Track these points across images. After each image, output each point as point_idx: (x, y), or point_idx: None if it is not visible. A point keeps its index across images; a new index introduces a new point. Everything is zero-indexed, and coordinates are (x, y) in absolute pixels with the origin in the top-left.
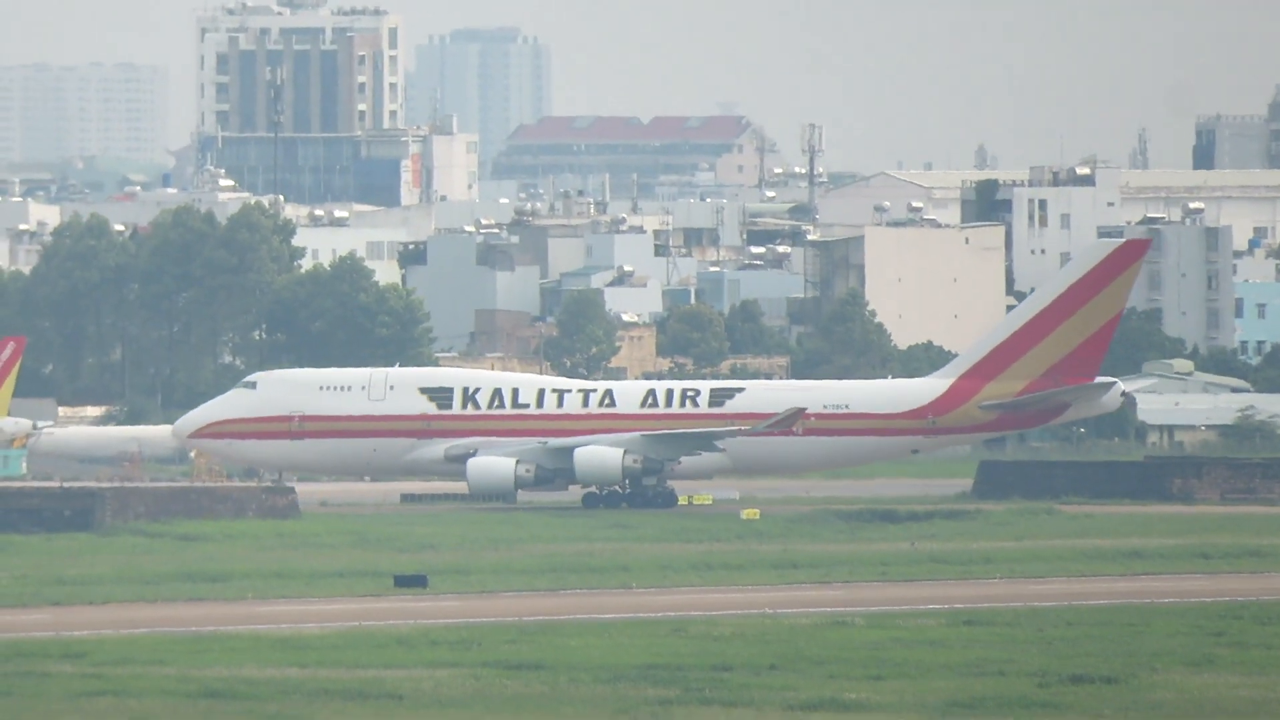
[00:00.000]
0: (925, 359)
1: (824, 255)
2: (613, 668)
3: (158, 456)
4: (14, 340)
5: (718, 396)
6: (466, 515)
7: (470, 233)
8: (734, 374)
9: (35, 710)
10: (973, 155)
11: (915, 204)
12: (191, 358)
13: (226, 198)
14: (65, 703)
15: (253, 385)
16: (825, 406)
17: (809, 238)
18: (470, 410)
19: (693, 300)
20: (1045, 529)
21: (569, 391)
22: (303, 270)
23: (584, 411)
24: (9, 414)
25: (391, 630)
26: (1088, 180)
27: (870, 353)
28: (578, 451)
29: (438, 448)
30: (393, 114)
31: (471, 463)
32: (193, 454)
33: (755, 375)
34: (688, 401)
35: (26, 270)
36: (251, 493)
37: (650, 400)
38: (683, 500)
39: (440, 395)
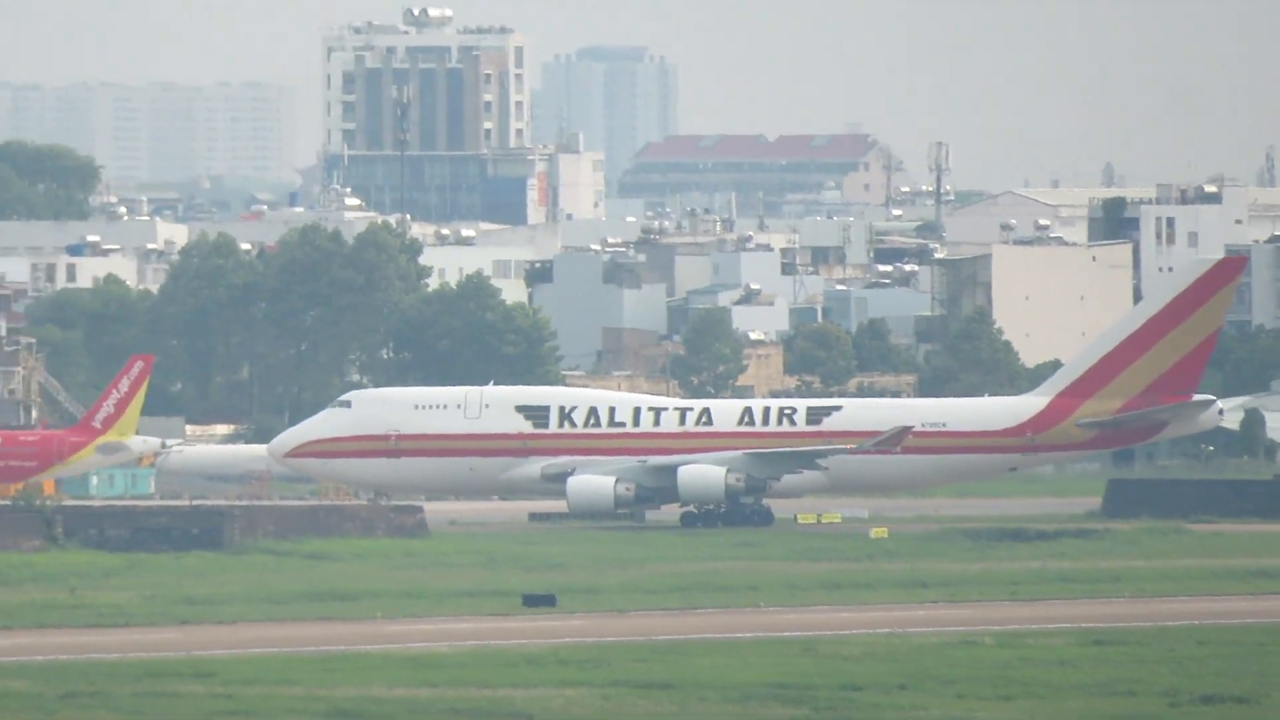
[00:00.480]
0: None
1: (951, 273)
2: (742, 687)
3: (285, 475)
4: (142, 359)
5: (814, 414)
6: (595, 534)
7: (597, 251)
8: (860, 392)
9: None
10: (1100, 173)
11: (1042, 222)
12: (319, 376)
13: (353, 216)
14: None
15: (347, 404)
16: (923, 424)
17: (936, 256)
18: (567, 429)
19: (819, 318)
20: (1174, 548)
21: (665, 410)
22: (429, 289)
23: (680, 430)
24: (138, 432)
25: (520, 649)
26: (1215, 198)
27: (997, 370)
28: (681, 470)
29: (534, 466)
30: (519, 132)
31: (571, 481)
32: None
33: (882, 393)
34: (785, 419)
35: (155, 289)
36: (380, 511)
37: (747, 418)
38: (810, 518)
39: (536, 414)
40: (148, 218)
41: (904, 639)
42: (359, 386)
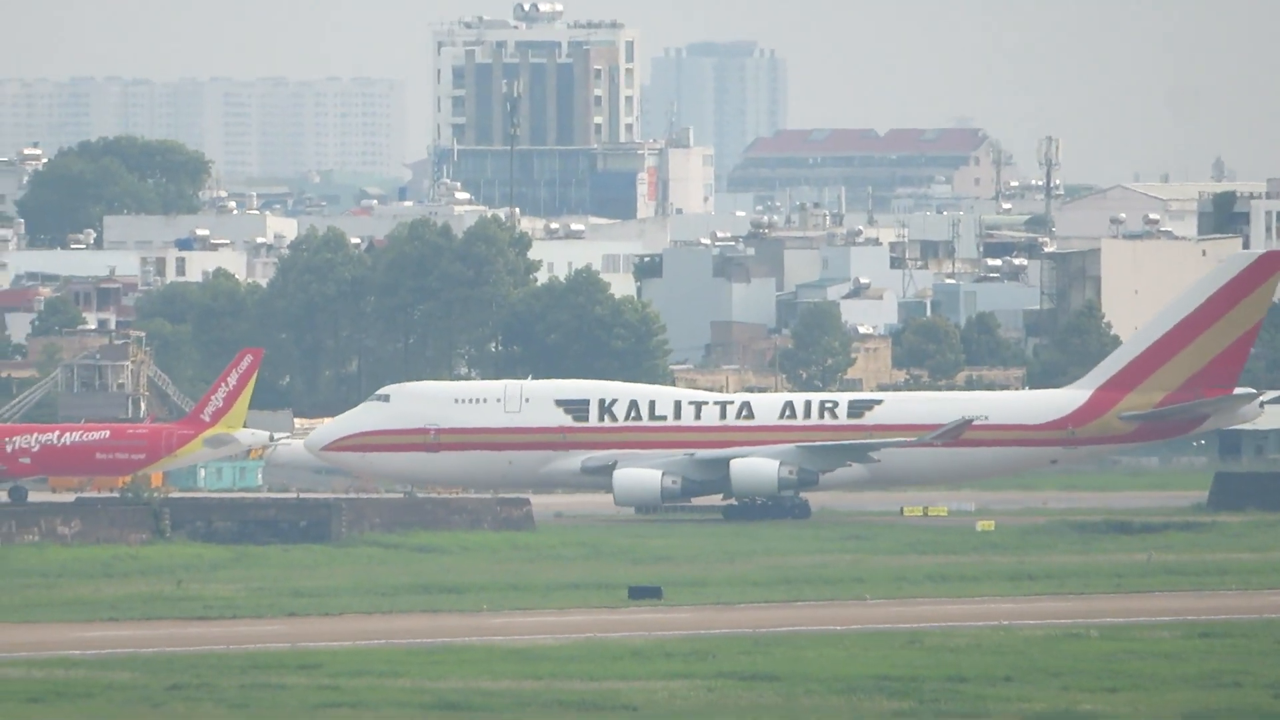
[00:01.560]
0: None
1: (1060, 267)
2: (847, 679)
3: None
4: (252, 352)
5: (856, 408)
6: (701, 528)
7: (706, 245)
8: (969, 385)
9: None
10: (1210, 167)
11: (1152, 216)
12: (428, 370)
13: (462, 210)
14: (301, 714)
15: (386, 398)
16: (965, 418)
17: (1045, 250)
18: (607, 422)
19: (928, 312)
20: None
21: (706, 403)
22: (539, 283)
23: (721, 423)
24: (246, 425)
25: (626, 642)
26: None
27: None
28: (734, 463)
29: (575, 460)
30: (629, 127)
31: (618, 474)
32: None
33: (991, 387)
34: (826, 413)
35: (264, 283)
36: (487, 504)
37: (789, 412)
38: (916, 511)
39: (576, 407)
40: (257, 212)
41: (1010, 631)
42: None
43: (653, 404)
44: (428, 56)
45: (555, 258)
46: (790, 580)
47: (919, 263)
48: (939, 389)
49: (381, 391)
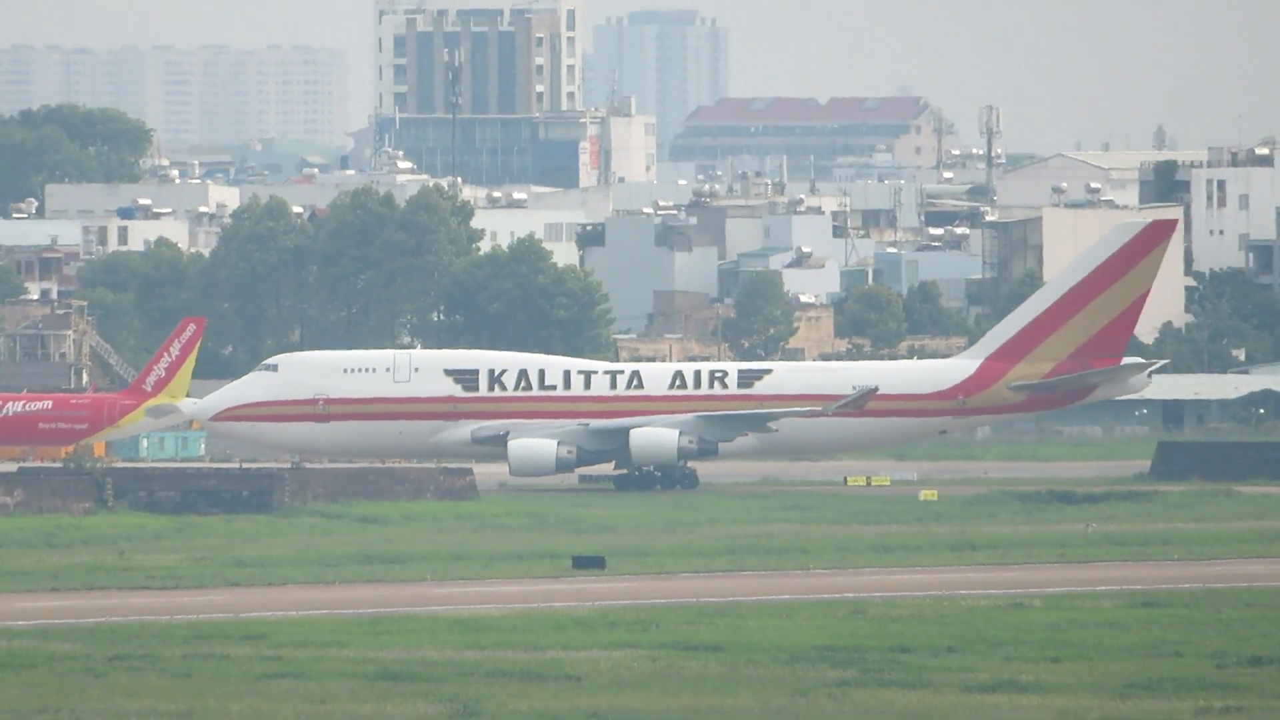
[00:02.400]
0: None
1: (1002, 236)
2: (791, 649)
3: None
4: (194, 322)
5: (746, 378)
6: (644, 497)
7: (648, 214)
8: (910, 354)
9: (215, 692)
10: (1151, 136)
11: (1093, 185)
12: (370, 340)
13: (405, 179)
14: (245, 684)
15: (274, 368)
16: (855, 388)
17: (987, 219)
18: (497, 392)
19: (870, 281)
20: (1224, 511)
21: (595, 373)
22: (481, 252)
23: (611, 393)
24: (189, 395)
25: (569, 612)
26: (1267, 161)
27: None
28: (633, 433)
29: (464, 430)
30: (570, 95)
31: (513, 444)
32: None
33: (934, 355)
34: (716, 383)
35: (206, 252)
36: (429, 474)
37: (679, 382)
38: (859, 480)
39: (466, 377)
40: (199, 181)
41: (953, 601)
42: (410, 349)
43: (542, 373)
44: (369, 25)
45: (498, 226)
46: (734, 550)
47: (861, 232)
48: (882, 358)
49: (269, 361)
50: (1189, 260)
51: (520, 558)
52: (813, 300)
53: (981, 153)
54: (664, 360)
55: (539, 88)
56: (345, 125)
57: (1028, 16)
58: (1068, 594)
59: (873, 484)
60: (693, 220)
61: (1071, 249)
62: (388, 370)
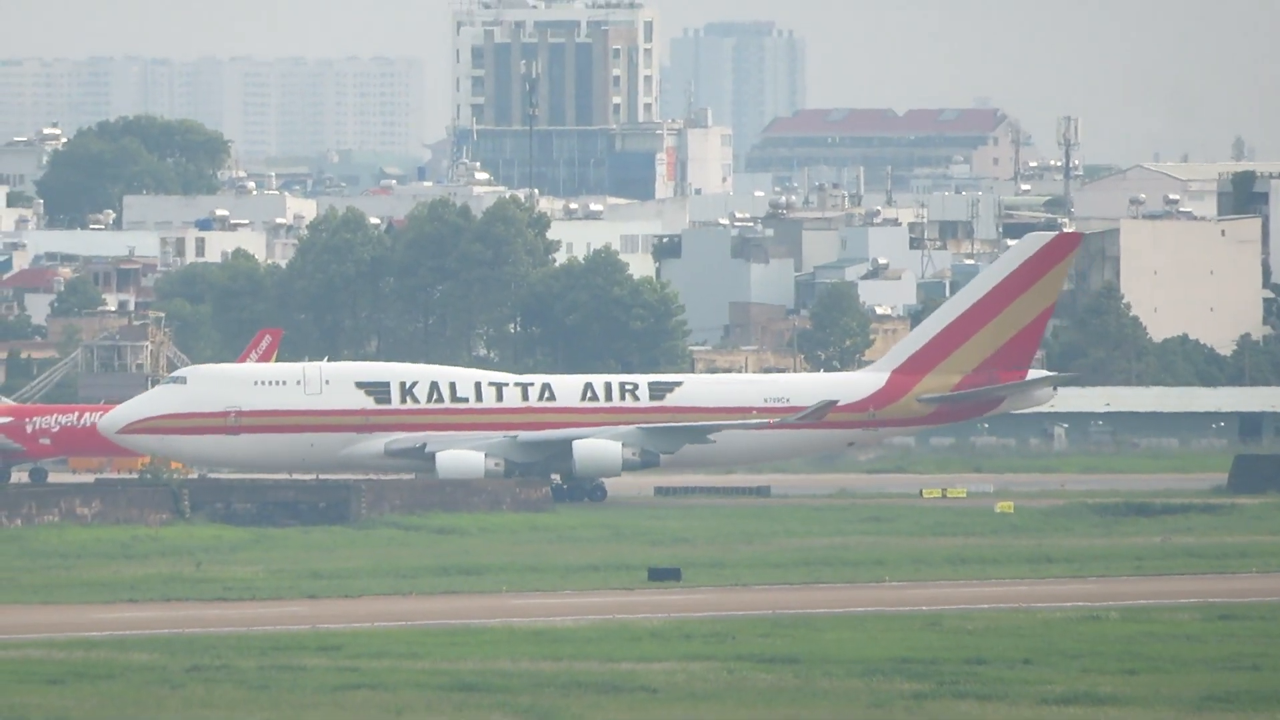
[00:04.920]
0: (1181, 352)
1: (1079, 248)
2: (866, 661)
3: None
4: (270, 333)
5: (657, 390)
6: (720, 509)
7: (725, 226)
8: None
9: (292, 703)
10: (1229, 147)
11: (1171, 196)
12: (446, 351)
13: (481, 191)
14: (321, 696)
15: (182, 380)
16: (766, 400)
17: (1064, 230)
18: (409, 405)
19: (947, 293)
20: None
21: (506, 385)
22: (557, 264)
23: (523, 405)
24: None
25: (645, 623)
26: None
27: (1125, 345)
28: (577, 444)
29: (377, 442)
30: (647, 107)
31: (442, 456)
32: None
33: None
34: (627, 395)
35: (283, 263)
36: (506, 486)
37: (590, 394)
38: (935, 493)
39: (377, 390)
40: (276, 192)
41: (1029, 614)
42: (486, 360)
43: (453, 385)
44: (447, 36)
45: (574, 238)
46: (809, 562)
47: (937, 243)
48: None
49: (178, 373)
50: (1267, 272)
51: (596, 569)
52: (889, 312)
53: (1059, 164)
54: (740, 371)
55: (616, 99)
56: (422, 137)
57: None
58: (1144, 606)
59: (948, 496)
60: (769, 232)
61: (1150, 261)
62: (298, 383)
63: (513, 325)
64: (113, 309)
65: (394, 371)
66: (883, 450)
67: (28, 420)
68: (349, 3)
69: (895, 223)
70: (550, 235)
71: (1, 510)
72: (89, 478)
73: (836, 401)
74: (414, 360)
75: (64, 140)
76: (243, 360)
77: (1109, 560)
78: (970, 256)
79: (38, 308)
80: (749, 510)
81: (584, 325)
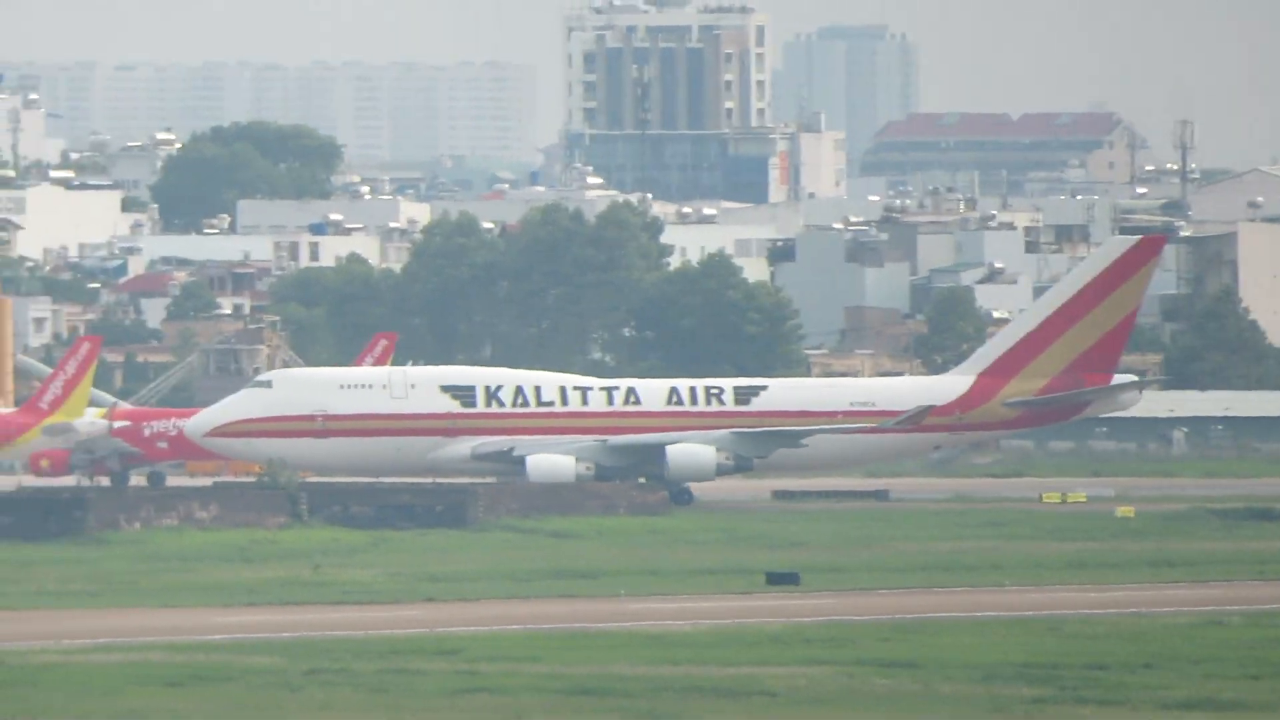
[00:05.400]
0: None
1: (1196, 252)
2: (986, 666)
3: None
4: (385, 337)
5: (742, 394)
6: (839, 513)
7: (839, 230)
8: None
9: (409, 707)
10: None
11: None
12: (560, 355)
13: (594, 195)
14: (439, 699)
15: (268, 384)
16: (852, 404)
17: (1181, 234)
18: (495, 408)
19: None
20: None
21: (591, 389)
22: (671, 268)
23: (608, 409)
24: None
25: (763, 628)
26: None
27: (1244, 350)
28: (671, 449)
29: (464, 446)
30: (760, 111)
31: (531, 461)
32: None
33: (1126, 372)
34: (712, 399)
35: (397, 268)
36: (623, 490)
37: (675, 398)
38: (1054, 497)
39: (463, 393)
40: (390, 197)
41: (1150, 619)
42: (601, 365)
43: (538, 389)
44: (559, 41)
45: (687, 242)
46: (928, 567)
47: (1053, 247)
48: None
49: (263, 377)
50: None
51: (714, 573)
52: (1005, 316)
53: (1175, 168)
54: (856, 376)
55: (728, 104)
56: (535, 141)
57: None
58: (1267, 611)
59: (1068, 500)
60: (883, 236)
61: (1268, 264)
62: (384, 386)
63: (627, 329)
64: (228, 313)
65: (479, 375)
66: (1000, 454)
67: (145, 424)
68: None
69: (1011, 226)
70: (663, 240)
71: (120, 514)
72: (207, 481)
73: (934, 406)
74: (528, 365)
75: (178, 145)
76: (359, 364)
77: (1230, 565)
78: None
79: (153, 312)
80: (867, 514)
81: (698, 329)
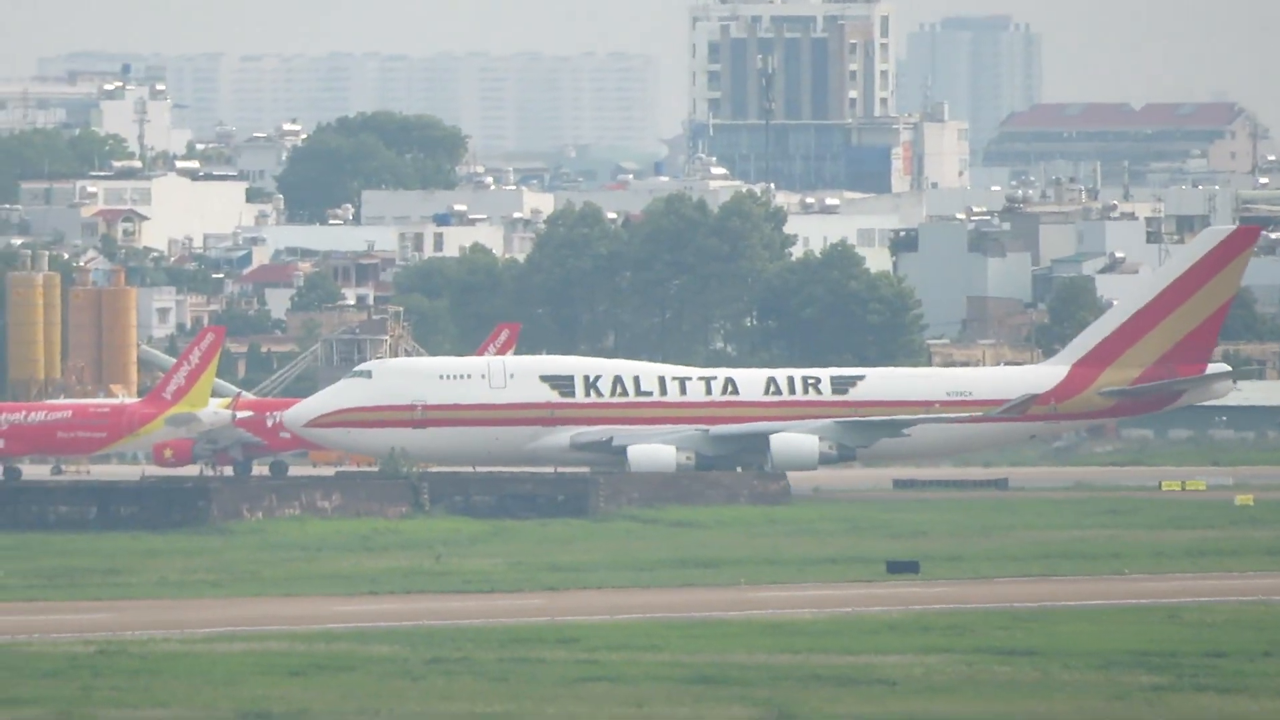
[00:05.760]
0: None
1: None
2: (1105, 654)
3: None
4: (509, 327)
5: (840, 384)
6: (959, 502)
7: (961, 220)
8: (1224, 359)
9: (531, 695)
10: None
11: None
12: (683, 345)
13: (718, 185)
14: (560, 688)
15: (368, 374)
16: (949, 394)
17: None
18: (593, 398)
19: None
20: None
21: (690, 379)
22: (794, 258)
23: (707, 399)
24: None
25: (883, 616)
26: None
27: None
28: (774, 438)
29: (562, 436)
30: (883, 101)
31: (633, 450)
32: None
33: (1246, 362)
34: (810, 389)
35: (521, 258)
36: (743, 479)
37: (773, 388)
38: (1174, 485)
39: (562, 383)
40: (514, 187)
41: (1269, 606)
42: (723, 355)
43: (637, 379)
44: (683, 31)
45: (810, 232)
46: (1048, 555)
47: (1175, 237)
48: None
49: (363, 367)
50: None
51: (834, 562)
52: None
53: None
54: (978, 365)
55: (852, 94)
56: (659, 131)
57: None
58: None
59: (1187, 489)
60: (1006, 226)
61: None
62: (483, 376)
63: (749, 319)
64: (351, 303)
65: (577, 365)
66: (1120, 443)
67: (268, 414)
68: None
69: (1132, 217)
70: (786, 229)
71: (243, 503)
72: (329, 471)
73: (1038, 395)
74: (650, 355)
75: (303, 136)
76: (480, 353)
77: None
78: None
79: (277, 302)
80: (987, 503)
81: (820, 319)
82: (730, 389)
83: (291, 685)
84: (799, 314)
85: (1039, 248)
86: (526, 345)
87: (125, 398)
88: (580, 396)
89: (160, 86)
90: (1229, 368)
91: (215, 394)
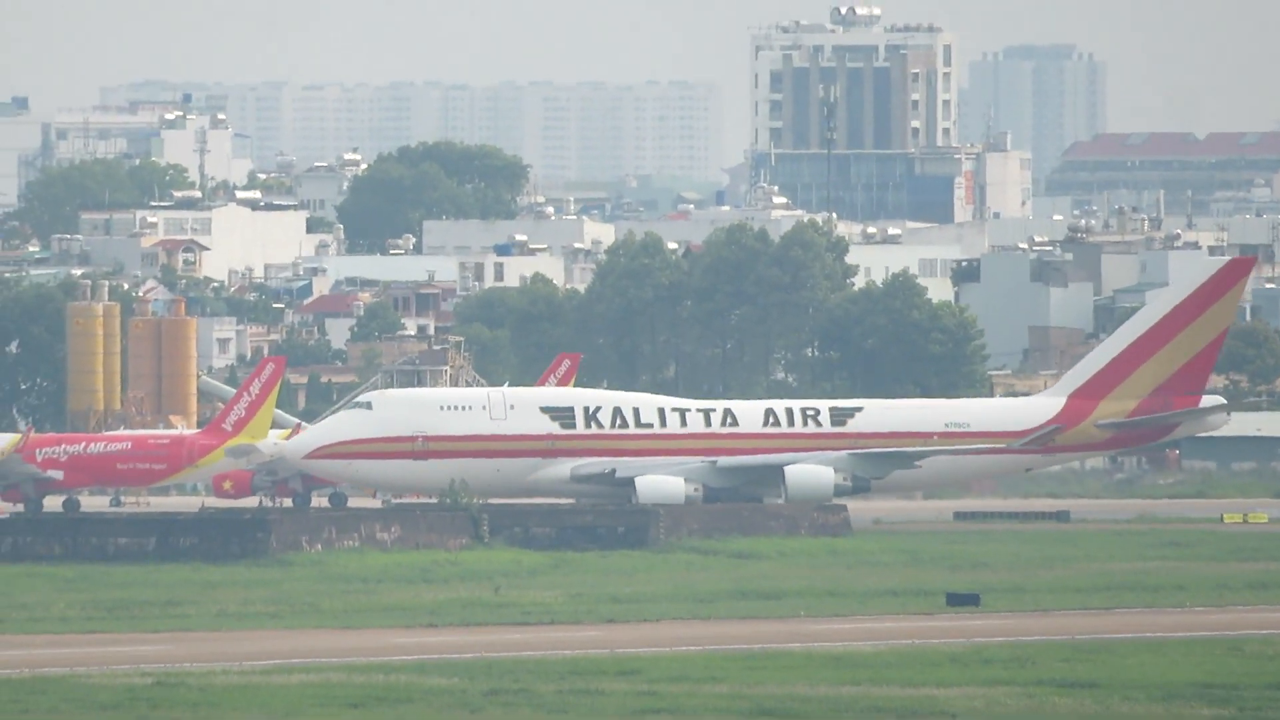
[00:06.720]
0: None
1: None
2: (1167, 686)
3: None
4: (569, 357)
5: (838, 416)
6: (1020, 534)
7: (1024, 250)
8: None
9: None
10: None
11: None
12: (744, 375)
13: (780, 215)
14: None
15: (368, 405)
16: (947, 425)
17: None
18: (594, 430)
19: (1248, 317)
20: None
21: (689, 411)
22: (855, 288)
23: (706, 430)
24: None
25: (944, 648)
26: None
27: None
28: (790, 470)
29: (563, 468)
30: (946, 131)
31: (641, 482)
32: None
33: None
34: (809, 421)
35: (581, 288)
36: (804, 510)
37: (771, 420)
38: (1236, 518)
39: (562, 415)
40: (575, 217)
41: None
42: (784, 385)
43: (637, 411)
44: (745, 61)
45: (872, 262)
46: (1110, 587)
47: None
48: (1259, 395)
49: (363, 398)
50: None
51: (894, 594)
52: None
53: None
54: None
55: (914, 123)
56: (721, 161)
57: None
58: None
59: (1250, 521)
60: (1068, 256)
61: None
62: (484, 408)
63: (810, 349)
64: (412, 333)
65: (578, 396)
66: (1182, 475)
67: None
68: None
69: (1195, 246)
70: (848, 259)
71: (302, 535)
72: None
73: (1063, 428)
74: (711, 386)
75: (364, 166)
76: (542, 383)
77: None
78: (1271, 281)
79: (338, 332)
80: (1048, 535)
81: (882, 349)
82: (730, 420)
83: (350, 717)
84: (860, 344)
85: (1101, 278)
86: (587, 375)
87: (185, 429)
88: (581, 428)
89: (221, 116)
90: (1224, 400)
91: (275, 425)
